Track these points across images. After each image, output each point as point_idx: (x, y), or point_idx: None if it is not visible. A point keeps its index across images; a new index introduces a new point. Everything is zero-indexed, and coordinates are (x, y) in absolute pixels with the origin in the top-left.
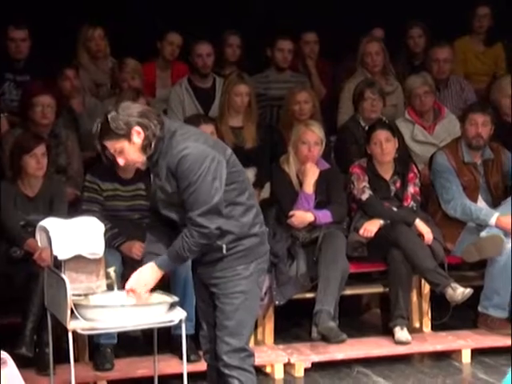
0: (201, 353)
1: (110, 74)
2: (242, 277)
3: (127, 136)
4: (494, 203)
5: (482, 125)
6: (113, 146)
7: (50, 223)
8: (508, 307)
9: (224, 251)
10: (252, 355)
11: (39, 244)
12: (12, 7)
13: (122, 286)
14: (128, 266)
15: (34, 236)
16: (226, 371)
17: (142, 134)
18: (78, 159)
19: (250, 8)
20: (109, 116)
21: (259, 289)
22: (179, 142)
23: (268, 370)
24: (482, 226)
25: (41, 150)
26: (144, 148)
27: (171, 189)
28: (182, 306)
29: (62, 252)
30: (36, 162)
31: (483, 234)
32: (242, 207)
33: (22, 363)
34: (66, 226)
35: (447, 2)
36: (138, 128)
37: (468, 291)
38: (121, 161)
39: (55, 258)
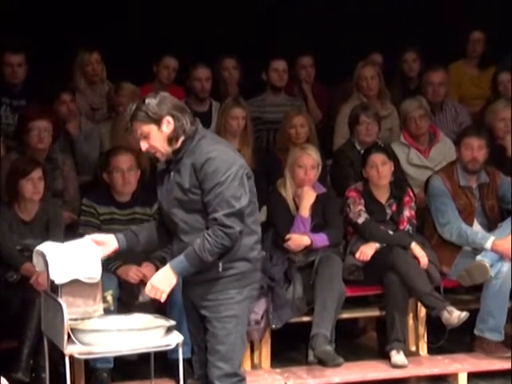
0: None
1: (107, 97)
2: (235, 301)
3: (157, 122)
4: (490, 227)
5: (477, 149)
6: (140, 127)
7: (47, 247)
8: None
9: (220, 269)
10: (244, 379)
11: (36, 268)
12: (8, 32)
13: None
14: (125, 290)
15: (30, 260)
16: None
17: (172, 125)
18: (75, 183)
19: (246, 32)
20: (146, 99)
21: (249, 315)
22: (209, 143)
23: None
24: (477, 249)
25: (37, 174)
26: (170, 140)
27: (189, 185)
28: (179, 330)
29: (58, 276)
30: (32, 186)
31: (479, 257)
32: (246, 229)
33: None
34: (62, 250)
35: (442, 27)
36: (169, 118)
37: (464, 315)
38: (143, 145)
39: (52, 282)
